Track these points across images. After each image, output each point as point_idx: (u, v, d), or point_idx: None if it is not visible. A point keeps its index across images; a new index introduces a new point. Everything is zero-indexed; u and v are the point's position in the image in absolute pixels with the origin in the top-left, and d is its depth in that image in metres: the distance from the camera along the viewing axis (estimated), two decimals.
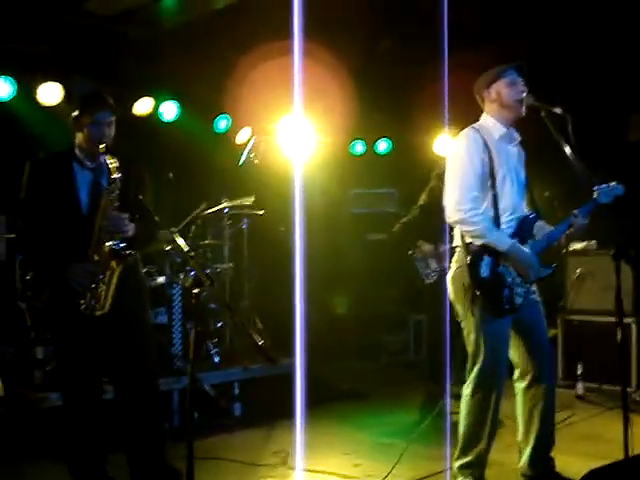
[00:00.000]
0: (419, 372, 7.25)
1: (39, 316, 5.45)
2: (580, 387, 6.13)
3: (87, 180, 3.72)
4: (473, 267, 3.72)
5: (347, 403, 6.20)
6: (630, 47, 6.68)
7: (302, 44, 4.60)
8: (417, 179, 8.04)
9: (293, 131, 7.14)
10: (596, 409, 5.80)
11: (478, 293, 3.71)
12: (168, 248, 5.51)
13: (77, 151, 3.75)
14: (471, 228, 3.78)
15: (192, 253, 3.25)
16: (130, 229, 3.60)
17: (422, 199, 5.66)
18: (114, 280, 3.62)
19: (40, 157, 3.87)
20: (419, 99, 7.22)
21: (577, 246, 6.45)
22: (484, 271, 3.72)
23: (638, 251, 6.15)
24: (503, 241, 3.77)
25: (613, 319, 6.19)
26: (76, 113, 3.72)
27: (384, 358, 7.94)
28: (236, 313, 5.56)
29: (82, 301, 3.57)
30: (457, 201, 3.79)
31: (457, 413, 5.32)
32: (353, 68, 7.43)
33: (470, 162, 3.83)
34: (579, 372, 6.14)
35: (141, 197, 3.68)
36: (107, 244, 3.56)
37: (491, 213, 3.82)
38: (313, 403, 5.78)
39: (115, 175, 3.57)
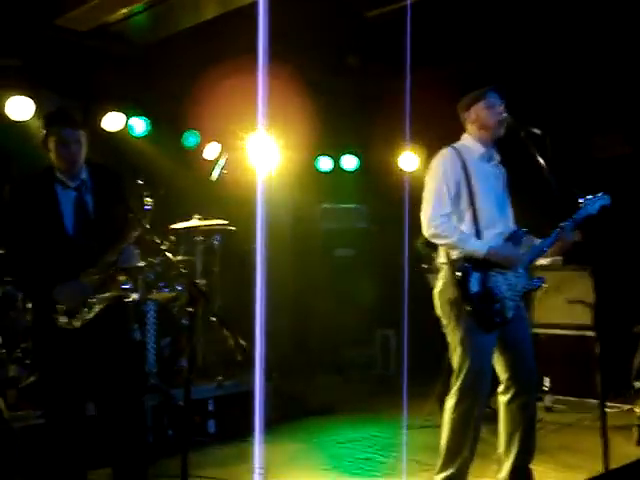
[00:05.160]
0: (387, 386, 7.37)
1: (9, 334, 5.38)
2: (548, 399, 6.25)
3: (70, 200, 3.66)
4: (463, 283, 3.79)
5: (321, 418, 6.21)
6: (593, 71, 6.89)
7: (267, 61, 4.67)
8: (385, 194, 8.20)
9: (260, 147, 7.17)
10: (565, 421, 5.93)
11: (469, 308, 3.78)
12: (142, 264, 5.48)
13: (56, 171, 3.68)
14: (446, 240, 3.89)
15: (184, 270, 3.25)
16: (137, 261, 3.61)
17: None
18: (100, 305, 3.60)
19: (19, 179, 3.80)
20: (385, 115, 7.34)
21: (543, 261, 6.58)
22: (474, 286, 3.79)
23: (606, 267, 6.35)
24: (480, 247, 3.86)
25: (578, 332, 6.43)
26: (43, 132, 3.67)
27: (352, 372, 7.96)
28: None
29: (58, 316, 3.51)
30: (429, 217, 3.91)
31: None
32: (319, 85, 7.52)
33: (444, 181, 3.94)
34: (547, 385, 6.27)
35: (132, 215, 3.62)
36: (118, 280, 3.60)
37: (473, 230, 3.92)
38: (287, 418, 5.86)
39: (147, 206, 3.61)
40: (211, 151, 7.48)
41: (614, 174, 6.79)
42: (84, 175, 3.73)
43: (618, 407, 6.10)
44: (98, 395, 3.77)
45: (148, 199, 3.63)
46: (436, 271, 5.60)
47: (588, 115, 7.19)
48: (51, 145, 3.64)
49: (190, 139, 7.42)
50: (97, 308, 3.54)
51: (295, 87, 6.67)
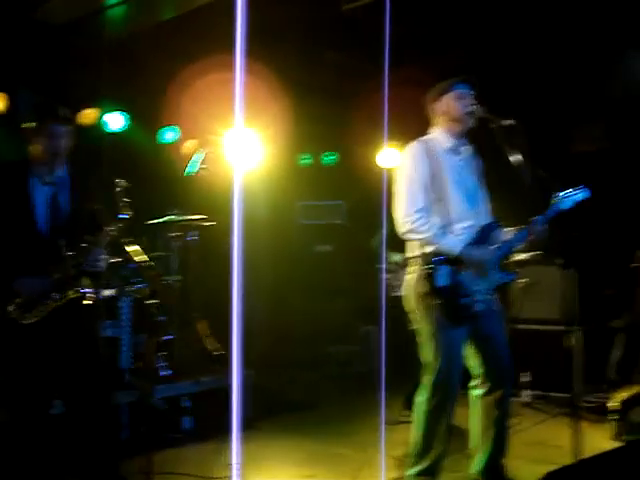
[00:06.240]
0: (367, 382, 7.32)
1: None
2: (527, 394, 6.24)
3: (45, 195, 3.64)
4: (433, 277, 3.76)
5: (298, 414, 6.19)
6: (573, 64, 6.88)
7: (245, 57, 4.63)
8: (363, 191, 8.17)
9: (238, 143, 7.13)
10: (542, 416, 5.91)
11: (438, 302, 3.75)
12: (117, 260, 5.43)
13: (34, 164, 3.66)
14: (421, 236, 3.85)
15: (148, 264, 3.21)
16: (103, 266, 3.56)
17: None
18: (55, 304, 3.57)
19: None
20: (364, 111, 7.29)
21: (522, 256, 6.56)
22: (444, 280, 3.76)
23: (583, 262, 6.33)
24: (453, 246, 3.84)
25: (559, 327, 6.41)
26: (31, 125, 3.66)
27: (333, 369, 7.93)
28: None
29: (11, 307, 3.49)
30: (404, 212, 3.87)
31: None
32: (298, 81, 7.48)
33: (415, 174, 3.91)
34: (526, 380, 6.24)
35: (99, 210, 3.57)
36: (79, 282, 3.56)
37: (442, 222, 3.89)
38: (264, 414, 5.81)
39: (124, 215, 3.57)
40: (189, 147, 7.45)
41: (592, 168, 6.79)
42: (62, 172, 3.71)
43: (596, 402, 6.06)
44: (64, 393, 3.73)
45: (124, 198, 3.63)
46: (394, 270, 5.65)
47: (568, 108, 7.20)
48: (40, 138, 3.63)
49: (168, 135, 7.38)
50: (51, 307, 3.51)
51: (273, 83, 6.63)
